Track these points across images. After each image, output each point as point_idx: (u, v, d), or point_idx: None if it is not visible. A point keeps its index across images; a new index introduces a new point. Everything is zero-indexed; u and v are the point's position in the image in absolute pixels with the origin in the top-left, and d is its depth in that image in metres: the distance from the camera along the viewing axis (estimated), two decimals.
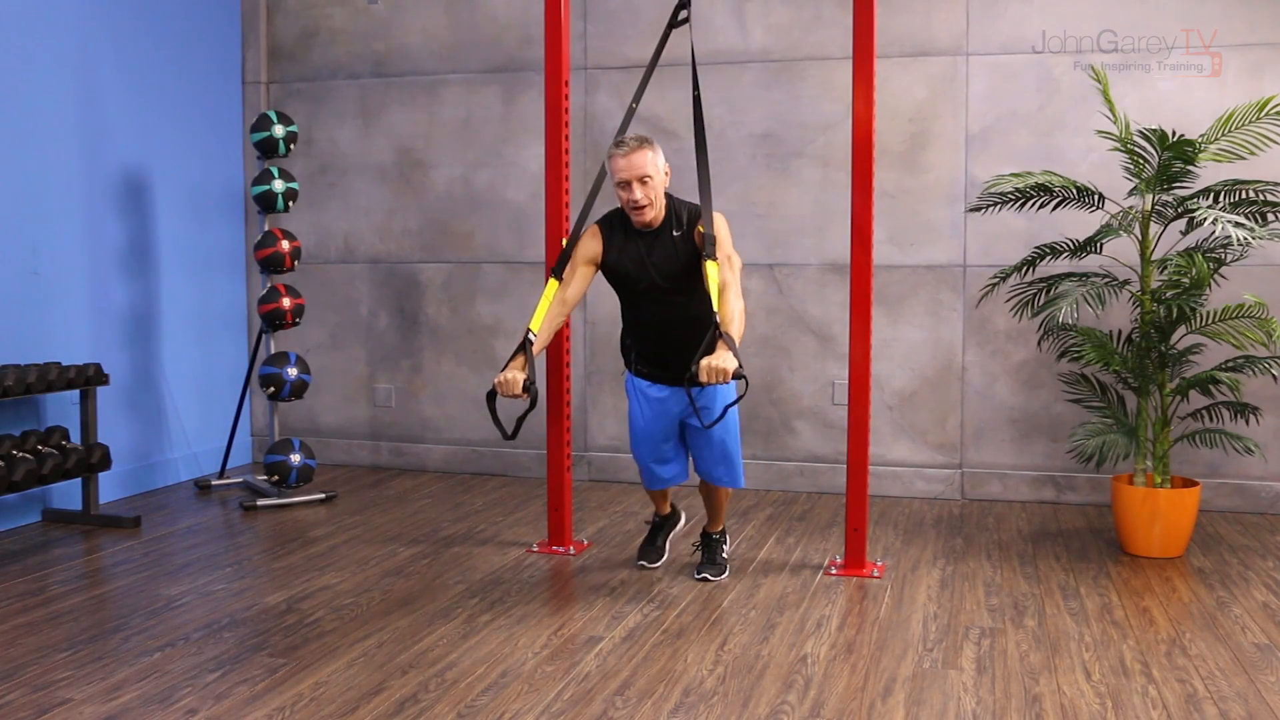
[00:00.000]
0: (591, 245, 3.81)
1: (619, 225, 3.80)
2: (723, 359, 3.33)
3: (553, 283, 3.82)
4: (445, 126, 6.02)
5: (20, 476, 4.37)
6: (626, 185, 3.64)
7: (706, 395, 3.77)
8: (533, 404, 3.58)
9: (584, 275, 3.82)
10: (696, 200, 3.76)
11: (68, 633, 3.49)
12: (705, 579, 4.05)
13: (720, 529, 4.22)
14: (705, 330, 3.49)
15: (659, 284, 3.73)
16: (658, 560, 4.20)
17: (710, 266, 3.54)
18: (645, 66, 4.22)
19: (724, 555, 4.19)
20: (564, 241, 4.08)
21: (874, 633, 3.53)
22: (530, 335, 3.67)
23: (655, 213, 3.69)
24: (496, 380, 3.57)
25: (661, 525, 4.30)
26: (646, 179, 3.63)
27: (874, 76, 4.05)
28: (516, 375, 3.56)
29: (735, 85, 5.56)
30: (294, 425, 6.31)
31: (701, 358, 3.38)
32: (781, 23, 5.54)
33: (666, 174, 3.75)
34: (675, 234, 3.70)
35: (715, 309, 3.46)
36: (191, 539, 4.68)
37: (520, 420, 3.66)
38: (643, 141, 3.68)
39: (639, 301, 3.83)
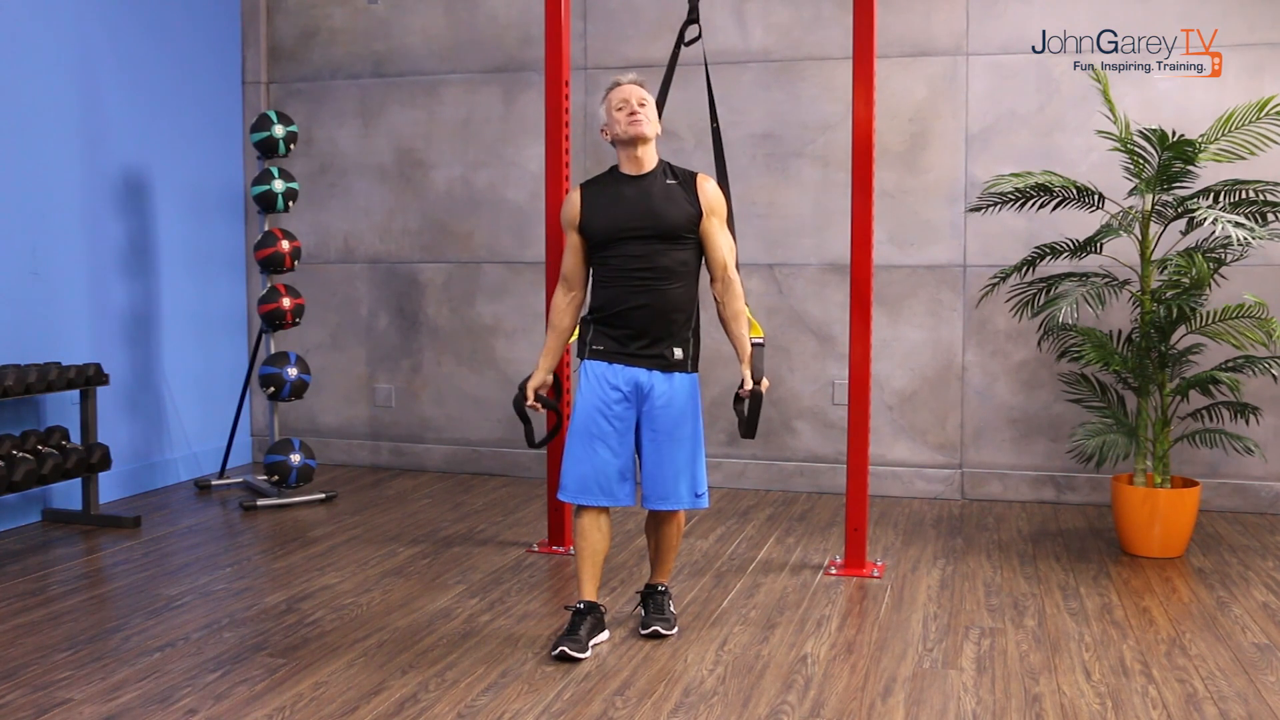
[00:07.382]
0: (570, 205, 3.53)
1: (609, 180, 3.54)
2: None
3: None
4: (445, 126, 6.02)
5: (20, 476, 4.36)
6: (625, 103, 3.45)
7: (676, 393, 3.44)
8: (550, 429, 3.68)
9: (574, 245, 3.52)
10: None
11: (68, 633, 3.49)
12: (656, 633, 3.48)
13: (668, 582, 3.67)
14: (683, 291, 3.43)
15: (652, 225, 3.42)
16: (582, 652, 3.31)
17: (725, 237, 3.53)
18: (644, 67, 4.22)
19: (673, 609, 3.60)
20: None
21: (874, 633, 3.53)
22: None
23: (651, 130, 3.47)
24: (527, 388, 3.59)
25: (585, 614, 3.41)
26: (644, 102, 3.47)
27: (874, 76, 4.05)
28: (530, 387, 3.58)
29: (735, 85, 5.56)
30: (294, 425, 6.31)
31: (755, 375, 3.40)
32: (781, 23, 5.54)
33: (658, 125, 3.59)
34: (669, 182, 3.49)
35: (748, 331, 3.48)
36: (191, 539, 4.68)
37: (541, 431, 3.63)
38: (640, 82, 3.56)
39: (622, 251, 3.43)
